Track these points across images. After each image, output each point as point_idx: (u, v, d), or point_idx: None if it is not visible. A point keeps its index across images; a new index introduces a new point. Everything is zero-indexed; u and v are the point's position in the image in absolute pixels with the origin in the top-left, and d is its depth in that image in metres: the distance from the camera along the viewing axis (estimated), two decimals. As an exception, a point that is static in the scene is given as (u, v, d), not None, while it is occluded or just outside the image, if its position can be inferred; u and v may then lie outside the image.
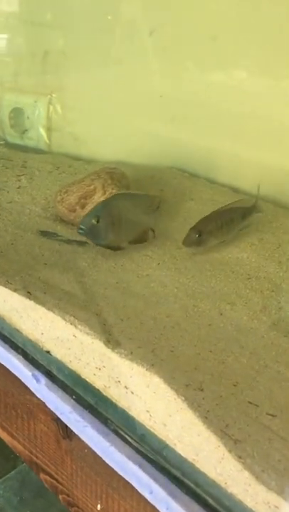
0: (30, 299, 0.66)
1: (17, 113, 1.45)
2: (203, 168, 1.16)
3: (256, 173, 1.07)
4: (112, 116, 1.26)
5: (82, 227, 0.79)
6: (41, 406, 0.65)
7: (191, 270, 0.80)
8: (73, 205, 0.93)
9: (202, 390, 0.53)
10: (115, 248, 0.83)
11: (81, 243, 0.88)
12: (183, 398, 0.49)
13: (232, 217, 0.86)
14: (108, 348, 0.56)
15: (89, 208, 0.91)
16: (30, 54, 1.39)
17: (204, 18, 1.05)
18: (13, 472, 1.23)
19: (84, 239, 0.89)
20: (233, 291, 0.75)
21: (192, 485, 0.48)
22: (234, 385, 0.55)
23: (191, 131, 1.15)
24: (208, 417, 0.48)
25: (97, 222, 0.78)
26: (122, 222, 0.82)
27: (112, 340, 0.58)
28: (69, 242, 0.89)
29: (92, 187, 0.94)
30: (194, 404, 0.49)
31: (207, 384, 0.54)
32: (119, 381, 0.55)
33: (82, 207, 0.92)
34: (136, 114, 1.23)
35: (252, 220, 0.92)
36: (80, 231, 0.79)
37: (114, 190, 0.92)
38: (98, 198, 0.92)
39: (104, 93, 1.26)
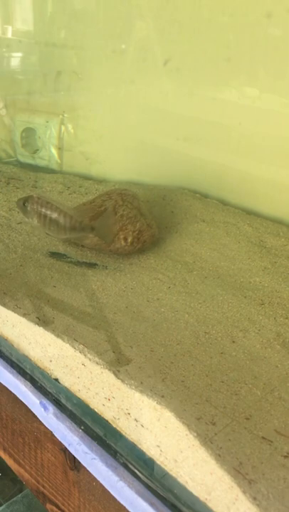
0: (39, 324, 0.65)
1: (29, 133, 1.45)
2: (216, 188, 1.15)
3: (271, 193, 1.05)
4: (124, 136, 1.26)
5: None
6: (49, 435, 0.64)
7: (203, 295, 0.79)
8: (83, 226, 0.92)
9: (214, 423, 0.51)
10: None
11: (90, 265, 0.87)
12: (195, 434, 0.48)
13: (58, 221, 0.83)
14: (118, 378, 0.55)
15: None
16: (43, 74, 1.40)
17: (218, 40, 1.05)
18: (19, 495, 1.21)
19: (94, 261, 0.89)
20: (245, 317, 0.73)
21: (204, 526, 0.46)
22: (247, 419, 0.54)
23: (203, 151, 1.14)
24: (221, 455, 0.47)
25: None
26: None
27: (121, 371, 0.56)
28: (78, 263, 0.88)
29: (102, 208, 0.93)
30: (207, 441, 0.47)
31: (219, 417, 0.52)
32: (129, 413, 0.54)
33: (93, 228, 0.91)
34: (147, 134, 1.23)
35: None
36: None
37: (125, 212, 0.91)
38: (109, 219, 0.91)
39: (115, 113, 1.26)
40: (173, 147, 1.19)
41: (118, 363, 0.59)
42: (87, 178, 1.31)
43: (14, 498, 1.21)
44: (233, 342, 0.67)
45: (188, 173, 1.21)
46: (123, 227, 0.90)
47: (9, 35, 1.48)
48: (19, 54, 1.49)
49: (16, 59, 1.51)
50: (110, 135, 1.29)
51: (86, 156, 1.36)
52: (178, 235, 0.99)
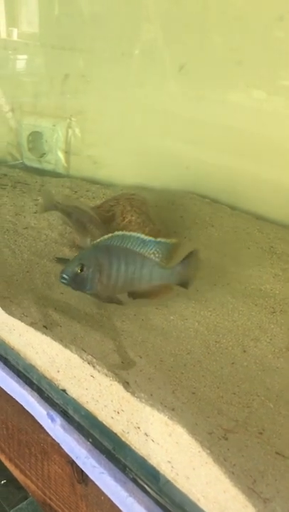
0: (46, 334, 0.64)
1: (35, 136, 1.45)
2: (225, 193, 1.14)
3: (281, 198, 1.04)
4: (132, 139, 1.25)
5: (65, 276, 0.68)
6: (56, 446, 0.62)
7: (212, 302, 0.77)
8: (91, 231, 0.91)
9: (226, 438, 0.50)
10: (109, 301, 0.72)
11: (98, 271, 0.86)
12: (208, 451, 0.46)
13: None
14: (127, 391, 0.53)
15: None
16: (50, 77, 1.39)
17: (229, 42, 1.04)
18: (24, 503, 1.19)
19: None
20: (256, 325, 0.72)
21: None
22: (260, 433, 0.52)
23: (212, 155, 1.13)
24: (234, 472, 0.45)
25: (81, 270, 0.67)
26: (114, 273, 0.69)
27: (131, 383, 0.55)
28: (86, 270, 0.86)
29: (110, 213, 0.92)
30: (220, 459, 0.46)
31: (232, 431, 0.51)
32: (138, 427, 0.52)
33: (100, 234, 0.90)
34: (156, 137, 1.22)
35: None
36: (63, 280, 0.68)
37: (133, 217, 0.90)
38: (117, 224, 0.90)
39: (124, 117, 1.25)
40: (182, 151, 1.18)
41: (127, 374, 0.57)
42: (94, 182, 1.30)
43: (19, 505, 1.19)
44: (244, 352, 0.66)
45: (197, 177, 1.20)
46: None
47: (16, 37, 1.48)
48: (26, 57, 1.48)
49: (22, 62, 1.50)
50: (118, 139, 1.28)
51: (93, 160, 1.35)
52: (187, 241, 0.97)
